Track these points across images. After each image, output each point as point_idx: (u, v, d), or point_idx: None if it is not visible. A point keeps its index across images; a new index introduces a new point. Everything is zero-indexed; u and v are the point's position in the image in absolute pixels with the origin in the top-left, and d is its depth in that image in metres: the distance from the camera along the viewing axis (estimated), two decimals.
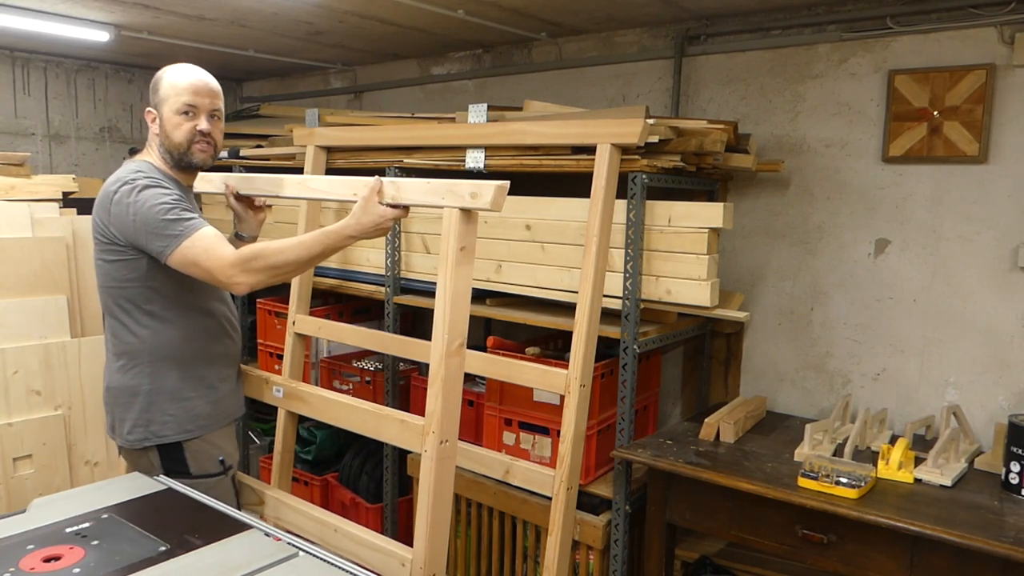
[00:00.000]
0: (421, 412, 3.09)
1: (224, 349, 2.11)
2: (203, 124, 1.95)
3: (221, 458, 2.05)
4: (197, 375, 2.02)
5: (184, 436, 1.99)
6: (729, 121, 2.59)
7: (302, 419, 3.03)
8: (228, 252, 1.80)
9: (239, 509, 1.97)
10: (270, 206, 2.26)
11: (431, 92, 3.90)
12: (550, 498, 2.41)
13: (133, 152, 4.46)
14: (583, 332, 2.35)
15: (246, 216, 2.28)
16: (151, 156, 2.00)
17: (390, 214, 1.81)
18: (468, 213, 1.79)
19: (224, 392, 2.10)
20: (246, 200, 2.26)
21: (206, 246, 1.80)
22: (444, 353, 1.79)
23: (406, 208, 1.84)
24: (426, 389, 2.89)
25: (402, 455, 3.07)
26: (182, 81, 1.94)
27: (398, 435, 2.05)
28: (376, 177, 1.85)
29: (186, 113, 1.93)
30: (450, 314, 1.78)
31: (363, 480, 3.35)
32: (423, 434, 1.86)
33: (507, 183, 1.79)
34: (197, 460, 2.01)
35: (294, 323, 3.03)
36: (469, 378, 2.79)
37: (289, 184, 2.19)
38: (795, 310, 2.81)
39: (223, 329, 2.11)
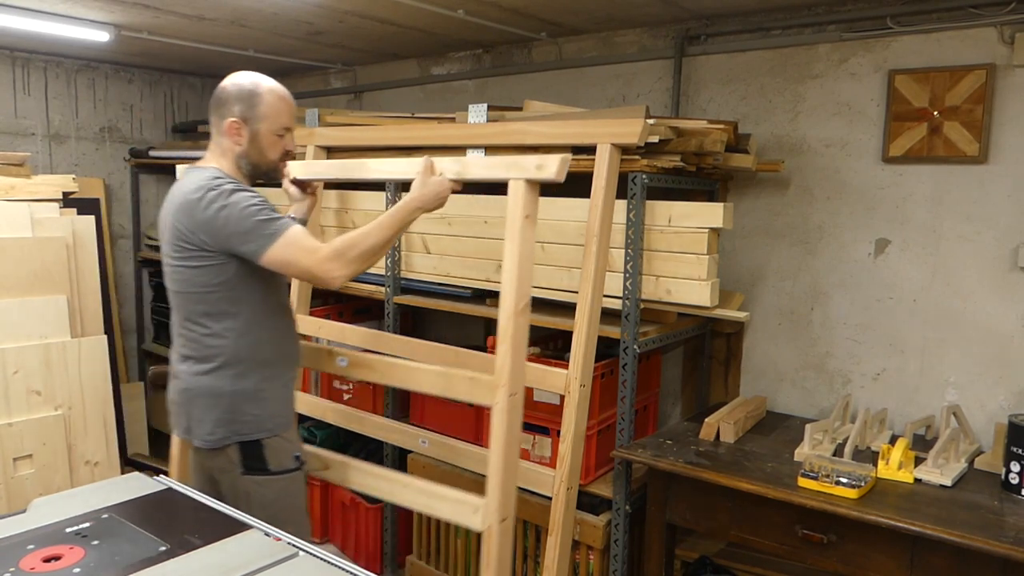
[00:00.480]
0: (421, 413, 3.11)
1: (296, 350, 2.17)
2: (291, 144, 2.05)
3: (296, 454, 2.06)
4: (275, 376, 2.04)
5: (264, 435, 2.00)
6: (729, 121, 2.59)
7: (302, 419, 3.03)
8: (322, 247, 1.87)
9: (307, 510, 2.07)
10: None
11: (431, 92, 3.90)
12: (550, 498, 2.41)
13: (133, 152, 4.48)
14: (583, 332, 2.35)
15: (300, 200, 2.29)
16: (222, 164, 2.00)
17: (448, 184, 2.00)
18: (532, 184, 1.99)
19: (293, 391, 2.14)
20: (301, 184, 2.29)
21: (301, 244, 1.86)
22: (513, 312, 2.00)
23: (460, 182, 2.02)
24: None
25: (402, 455, 3.07)
26: (284, 105, 2.02)
27: (468, 391, 2.16)
28: (426, 157, 2.02)
29: (281, 135, 2.02)
30: (517, 276, 2.00)
31: None
32: (493, 388, 2.03)
33: (569, 155, 2.01)
34: (276, 457, 2.02)
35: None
36: None
37: (350, 167, 2.34)
38: (795, 310, 2.81)
39: (292, 330, 2.15)
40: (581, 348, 2.35)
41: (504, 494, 2.01)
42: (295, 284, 3.06)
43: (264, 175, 2.06)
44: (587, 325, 2.35)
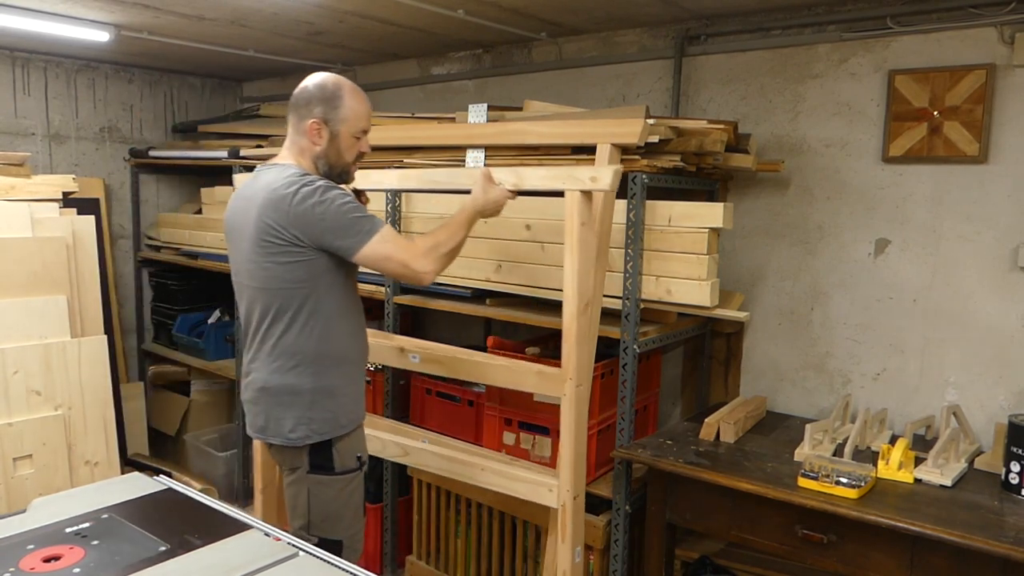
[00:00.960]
0: (421, 414, 3.11)
1: (366, 348, 2.17)
2: (366, 147, 2.09)
3: (359, 455, 2.09)
4: (352, 372, 2.07)
5: (337, 433, 2.02)
6: (729, 121, 2.59)
7: None
8: (416, 244, 1.97)
9: (364, 508, 2.14)
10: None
11: (431, 92, 3.90)
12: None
13: (133, 152, 4.48)
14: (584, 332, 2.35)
15: None
16: (301, 162, 2.02)
17: (506, 194, 2.18)
18: (586, 194, 2.18)
19: (363, 389, 2.15)
20: (357, 193, 2.30)
21: (398, 240, 1.96)
22: (576, 313, 2.23)
23: (514, 193, 2.20)
24: (425, 389, 2.91)
25: None
26: (364, 108, 2.04)
27: (536, 384, 2.36)
28: (484, 168, 2.21)
29: (358, 138, 2.05)
30: (578, 279, 2.21)
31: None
32: (562, 380, 2.26)
33: (621, 167, 2.19)
34: (342, 457, 2.04)
35: None
36: None
37: (411, 177, 2.53)
38: (795, 310, 2.81)
39: (364, 328, 2.16)
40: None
41: (576, 474, 2.28)
42: None
43: (338, 176, 2.06)
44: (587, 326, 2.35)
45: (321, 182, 1.93)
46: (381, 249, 1.91)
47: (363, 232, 1.90)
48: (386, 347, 2.71)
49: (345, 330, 2.04)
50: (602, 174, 2.13)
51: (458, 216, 2.08)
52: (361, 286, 3.09)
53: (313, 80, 2.03)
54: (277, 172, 1.97)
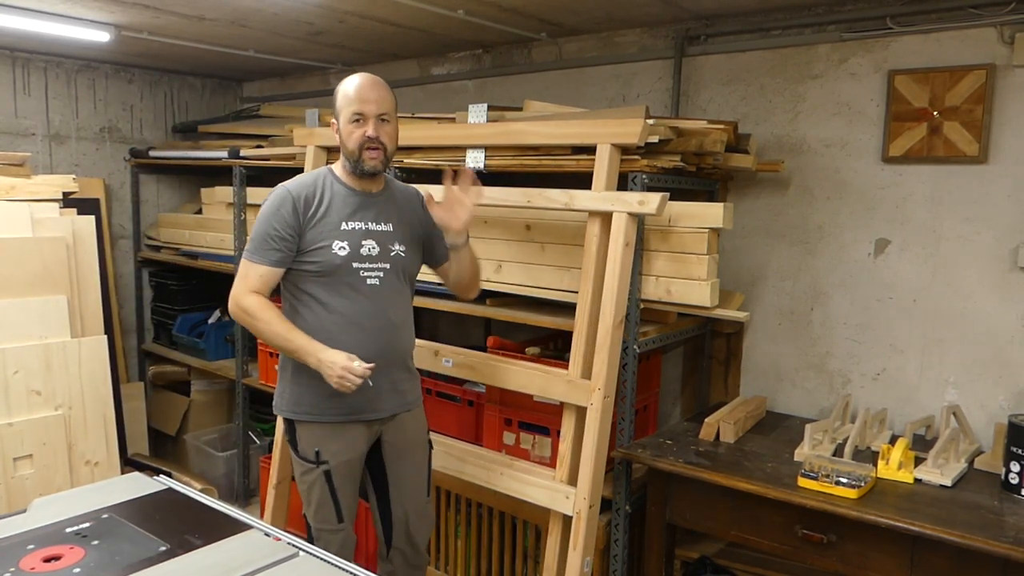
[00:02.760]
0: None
1: (343, 348, 2.03)
2: (370, 130, 2.05)
3: (317, 450, 2.14)
4: (310, 369, 2.06)
5: (298, 417, 2.16)
6: (729, 121, 2.59)
7: None
8: (245, 296, 2.06)
9: (336, 508, 2.17)
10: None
11: (431, 92, 3.90)
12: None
13: (134, 152, 4.48)
14: (583, 332, 2.35)
15: (445, 225, 2.16)
16: (339, 162, 2.17)
17: (339, 377, 1.97)
18: (632, 217, 2.27)
19: (333, 391, 2.02)
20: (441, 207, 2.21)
21: (244, 277, 2.08)
22: (612, 326, 2.29)
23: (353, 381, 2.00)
24: (425, 389, 2.91)
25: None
26: (351, 91, 2.06)
27: (566, 392, 2.37)
28: (341, 359, 1.98)
29: (356, 121, 2.06)
30: (617, 294, 2.28)
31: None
32: (591, 390, 2.31)
33: (667, 194, 2.25)
34: (303, 442, 2.16)
35: None
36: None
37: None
38: (795, 310, 2.81)
39: (345, 328, 2.09)
40: (581, 348, 2.35)
41: (594, 483, 2.31)
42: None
43: (354, 165, 2.11)
44: (587, 325, 2.35)
45: (282, 188, 2.10)
46: (240, 267, 2.11)
47: (246, 249, 2.10)
48: (421, 350, 2.68)
49: (312, 323, 2.09)
50: (649, 199, 2.22)
51: (294, 343, 2.01)
52: None
53: None
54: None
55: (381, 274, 2.13)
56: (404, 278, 2.21)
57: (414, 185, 2.41)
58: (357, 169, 2.10)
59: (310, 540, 2.21)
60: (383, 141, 2.07)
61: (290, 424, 2.17)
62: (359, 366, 1.95)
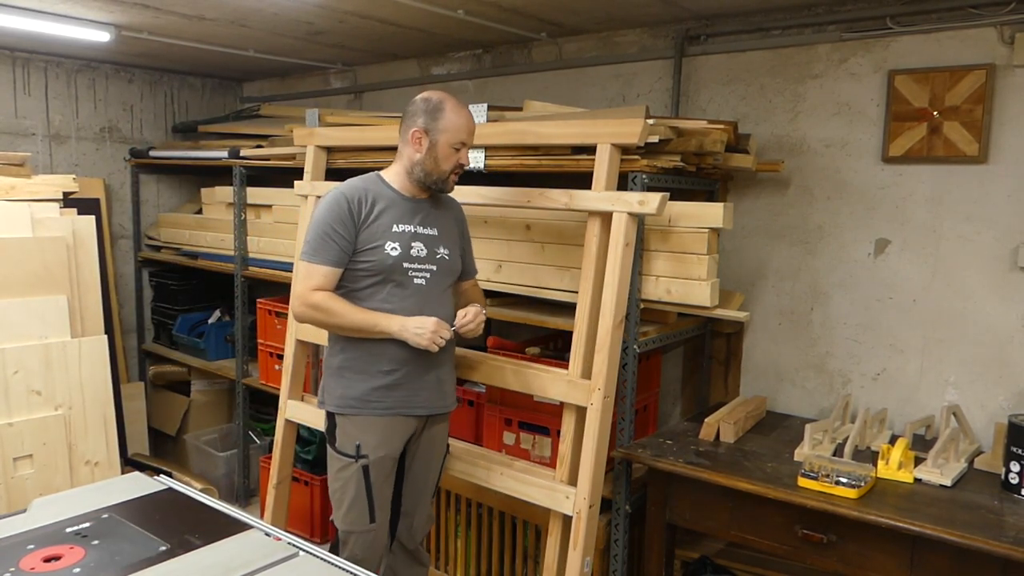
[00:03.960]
0: None
1: (390, 344, 2.16)
2: (465, 159, 2.21)
3: (358, 443, 2.19)
4: (356, 359, 2.19)
5: (341, 410, 2.21)
6: (729, 121, 2.59)
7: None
8: (310, 293, 2.12)
9: (370, 505, 2.20)
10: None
11: None
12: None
13: (134, 152, 4.48)
14: (583, 332, 2.35)
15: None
16: (396, 168, 2.25)
17: (430, 341, 2.09)
18: (632, 216, 2.27)
19: (382, 383, 2.18)
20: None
21: (306, 277, 2.14)
22: (612, 326, 2.28)
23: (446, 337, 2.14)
24: None
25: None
26: (464, 122, 2.18)
27: (566, 392, 2.36)
28: (437, 321, 2.12)
29: (458, 149, 2.18)
30: (617, 294, 2.28)
31: None
32: (591, 390, 2.30)
33: (667, 194, 2.25)
34: (342, 436, 2.22)
35: (296, 330, 3.03)
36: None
37: (468, 193, 2.57)
38: (795, 310, 2.81)
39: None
40: (581, 348, 2.35)
41: (594, 483, 2.31)
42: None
43: (434, 183, 2.21)
44: (587, 325, 2.35)
45: (337, 192, 2.16)
46: (297, 270, 2.18)
47: (302, 252, 2.16)
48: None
49: None
50: (649, 199, 2.22)
51: (372, 318, 2.12)
52: None
53: (422, 95, 2.21)
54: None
55: (428, 275, 2.21)
56: (448, 280, 2.29)
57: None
58: (438, 186, 2.22)
59: (334, 546, 2.25)
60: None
61: (331, 419, 2.24)
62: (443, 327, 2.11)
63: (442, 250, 2.25)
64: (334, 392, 2.22)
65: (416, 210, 2.23)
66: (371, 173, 2.27)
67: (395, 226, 2.17)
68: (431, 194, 2.28)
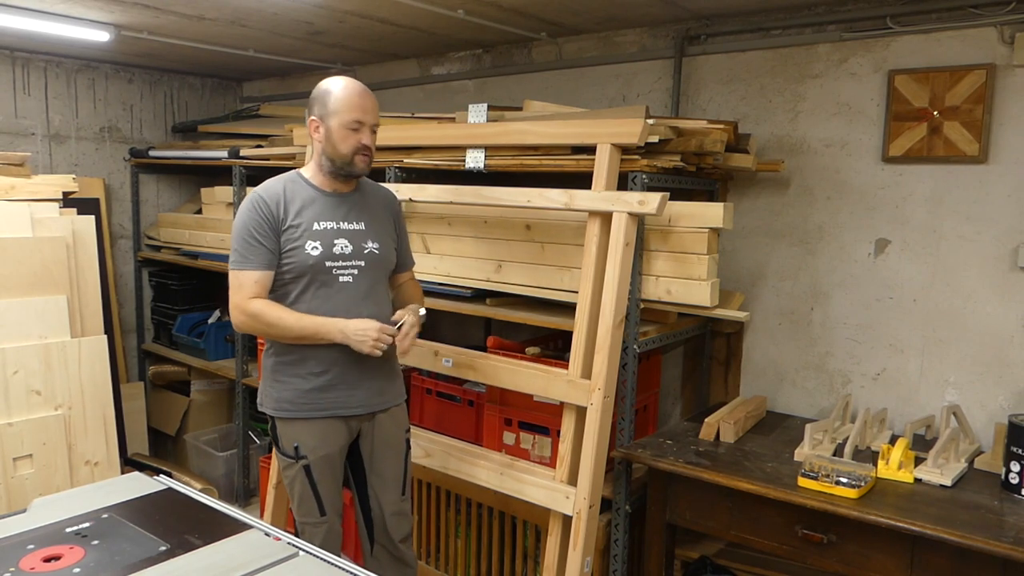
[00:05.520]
0: (420, 414, 3.10)
1: (320, 347, 2.13)
2: (366, 139, 2.13)
3: (296, 445, 2.18)
4: (287, 362, 2.16)
5: (278, 414, 2.19)
6: (729, 121, 2.59)
7: None
8: (247, 301, 2.07)
9: (317, 501, 2.20)
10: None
11: (431, 92, 3.90)
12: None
13: (133, 152, 4.48)
14: (583, 332, 2.35)
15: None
16: (310, 163, 2.21)
17: (371, 346, 2.04)
18: (633, 216, 2.27)
19: (315, 385, 2.15)
20: None
21: (239, 286, 2.09)
22: (611, 326, 2.28)
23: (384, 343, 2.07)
24: (425, 389, 2.92)
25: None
26: (349, 97, 2.10)
27: (566, 392, 2.37)
28: (374, 324, 2.06)
29: (355, 129, 2.11)
30: (617, 294, 2.28)
31: None
32: (591, 390, 2.30)
33: (667, 194, 2.24)
34: (282, 438, 2.21)
35: None
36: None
37: (466, 192, 2.61)
38: (795, 310, 2.81)
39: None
40: (581, 349, 2.35)
41: (594, 483, 2.31)
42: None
43: (340, 169, 2.15)
44: (586, 325, 2.35)
45: (253, 195, 2.13)
46: (231, 280, 2.11)
47: (231, 261, 2.11)
48: (421, 350, 2.71)
49: None
50: (649, 199, 2.22)
51: (312, 326, 2.06)
52: None
53: (318, 84, 2.16)
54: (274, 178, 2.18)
55: (355, 271, 2.16)
56: (380, 275, 2.25)
57: (385, 185, 2.47)
58: (345, 171, 2.15)
59: (296, 534, 2.25)
60: (372, 148, 2.17)
61: (271, 420, 2.23)
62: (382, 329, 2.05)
63: (371, 244, 2.19)
64: (270, 395, 2.20)
65: (339, 204, 2.18)
66: (291, 171, 2.23)
67: (316, 224, 2.12)
68: (356, 186, 2.24)
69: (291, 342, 2.12)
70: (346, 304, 2.14)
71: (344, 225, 2.16)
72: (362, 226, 2.20)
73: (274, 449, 2.25)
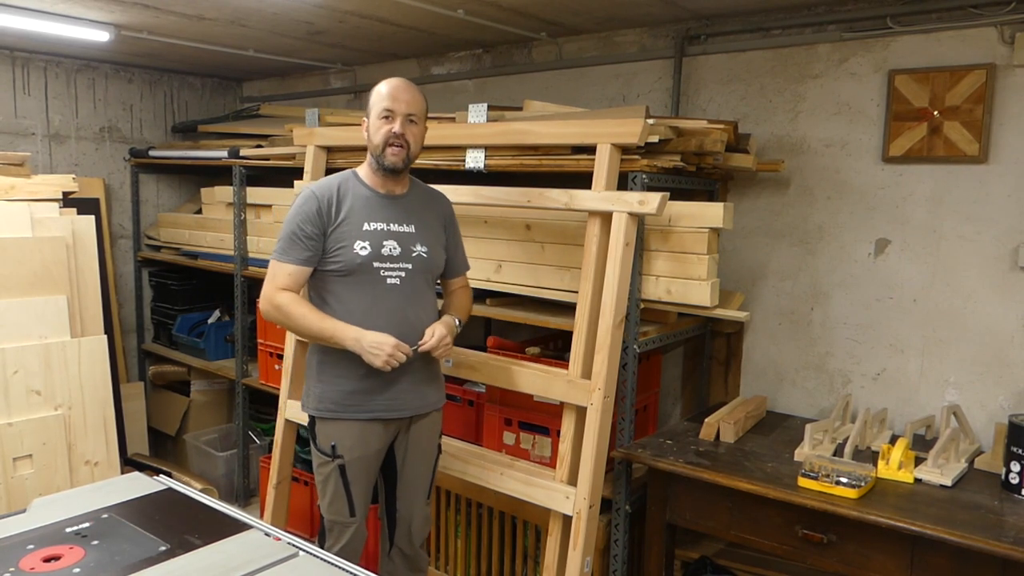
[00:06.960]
0: None
1: None
2: (397, 127, 2.10)
3: (333, 444, 2.18)
4: (333, 361, 2.17)
5: (319, 413, 2.21)
6: (729, 121, 2.59)
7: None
8: (277, 293, 2.11)
9: (349, 502, 2.21)
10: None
11: (431, 92, 3.89)
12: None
13: (133, 152, 4.48)
14: (583, 332, 2.35)
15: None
16: (364, 165, 2.23)
17: (385, 362, 2.05)
18: (633, 216, 2.26)
19: (360, 387, 2.16)
20: None
21: (273, 276, 2.13)
22: (612, 326, 2.28)
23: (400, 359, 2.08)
24: None
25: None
26: (384, 89, 2.13)
27: (565, 392, 2.36)
28: (392, 341, 2.05)
29: (385, 117, 2.11)
30: (617, 294, 2.28)
31: None
32: (591, 390, 2.30)
33: (667, 194, 2.23)
34: (321, 436, 2.21)
35: None
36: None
37: (464, 192, 2.61)
38: (795, 310, 2.81)
39: (363, 326, 2.11)
40: (581, 349, 2.35)
41: (594, 484, 2.30)
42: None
43: (377, 161, 2.16)
44: (586, 325, 2.35)
45: (307, 190, 2.15)
46: (269, 268, 2.16)
47: (274, 250, 2.15)
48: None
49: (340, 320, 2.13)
50: (649, 199, 2.22)
51: (329, 328, 2.07)
52: None
53: None
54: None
55: (403, 274, 2.16)
56: (427, 279, 2.24)
57: (437, 187, 2.45)
58: (379, 164, 2.14)
59: (322, 532, 2.27)
60: (408, 140, 2.13)
61: (312, 419, 2.23)
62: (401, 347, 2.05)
63: (419, 247, 2.19)
64: (313, 394, 2.21)
65: (390, 206, 2.18)
66: (347, 170, 2.24)
67: (366, 224, 2.13)
68: (408, 188, 2.25)
69: (307, 339, 2.15)
70: (391, 305, 2.14)
71: (394, 227, 2.17)
72: (412, 228, 2.20)
73: (312, 445, 2.25)
